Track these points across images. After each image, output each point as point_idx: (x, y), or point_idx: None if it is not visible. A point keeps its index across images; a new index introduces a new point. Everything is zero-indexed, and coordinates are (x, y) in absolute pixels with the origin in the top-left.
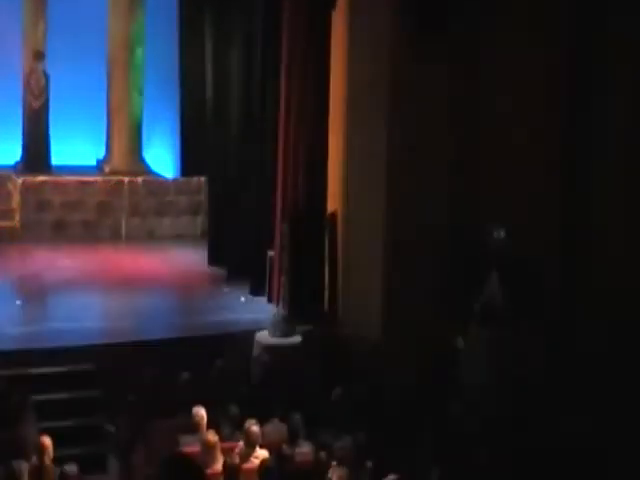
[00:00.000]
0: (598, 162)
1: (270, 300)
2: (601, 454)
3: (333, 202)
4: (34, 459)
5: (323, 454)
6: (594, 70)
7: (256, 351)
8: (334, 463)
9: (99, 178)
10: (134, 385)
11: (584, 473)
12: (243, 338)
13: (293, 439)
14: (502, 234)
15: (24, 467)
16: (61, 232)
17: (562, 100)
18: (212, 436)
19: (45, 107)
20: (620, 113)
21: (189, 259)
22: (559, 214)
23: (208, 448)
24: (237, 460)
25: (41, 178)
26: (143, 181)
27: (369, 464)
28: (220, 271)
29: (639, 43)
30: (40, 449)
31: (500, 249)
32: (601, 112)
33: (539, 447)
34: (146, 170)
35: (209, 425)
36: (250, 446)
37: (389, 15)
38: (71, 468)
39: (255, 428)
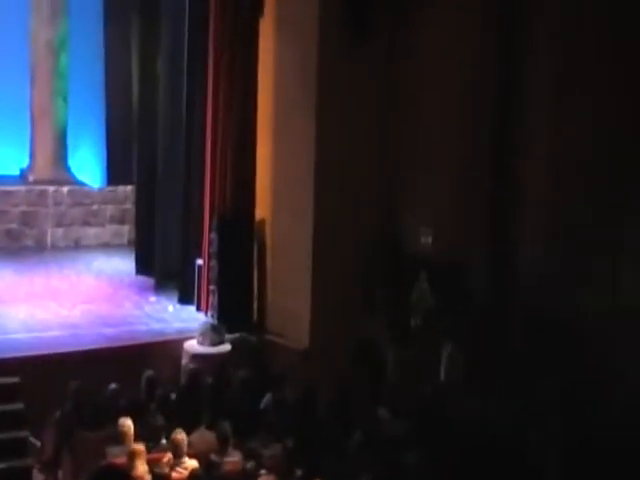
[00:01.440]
0: (526, 161)
1: (199, 309)
2: (525, 453)
3: (262, 209)
4: None
5: (252, 462)
6: (519, 73)
7: (185, 360)
8: (263, 471)
9: (22, 188)
10: (60, 397)
11: (511, 473)
12: (171, 347)
13: (222, 448)
14: (429, 237)
15: None
16: None
17: (491, 98)
18: (138, 447)
19: None
20: (550, 119)
21: (116, 268)
22: (487, 216)
23: (134, 459)
24: (166, 470)
25: None
26: (68, 190)
27: (298, 472)
28: (148, 280)
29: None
30: None
31: (427, 252)
32: (528, 117)
33: (468, 449)
34: (71, 179)
35: (136, 436)
36: (178, 456)
37: (316, 20)
38: None
39: (182, 437)
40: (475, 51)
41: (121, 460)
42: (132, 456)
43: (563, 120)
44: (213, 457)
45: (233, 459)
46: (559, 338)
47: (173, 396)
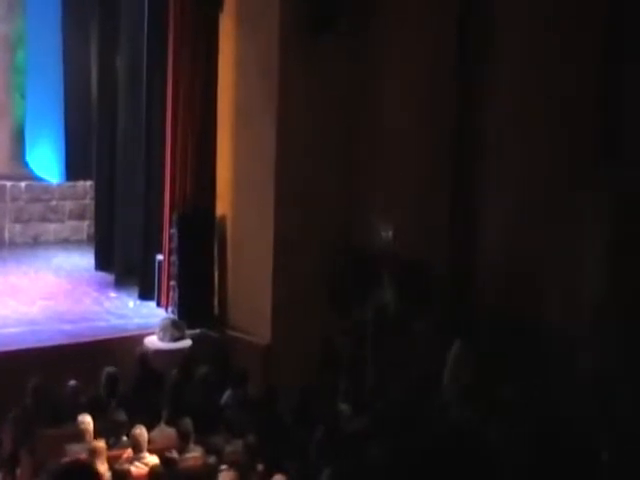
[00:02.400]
0: (487, 162)
1: (159, 304)
2: (491, 451)
3: (222, 204)
4: None
5: (213, 458)
6: (481, 65)
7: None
8: (224, 467)
9: None
10: (19, 394)
11: (475, 470)
12: (132, 343)
13: (183, 443)
14: (389, 232)
15: None
16: None
17: (451, 100)
18: (98, 443)
19: None
20: (513, 120)
21: (76, 264)
22: (448, 215)
23: (94, 456)
24: (125, 466)
25: None
26: (26, 186)
27: (260, 467)
28: (108, 276)
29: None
30: None
31: (389, 250)
32: (490, 106)
33: (429, 446)
34: (29, 174)
35: (97, 433)
36: (138, 451)
37: (277, 18)
38: None
39: (141, 432)
40: (437, 51)
41: (81, 457)
42: (92, 454)
43: (524, 122)
44: (173, 453)
45: (194, 455)
46: (522, 337)
47: (132, 392)
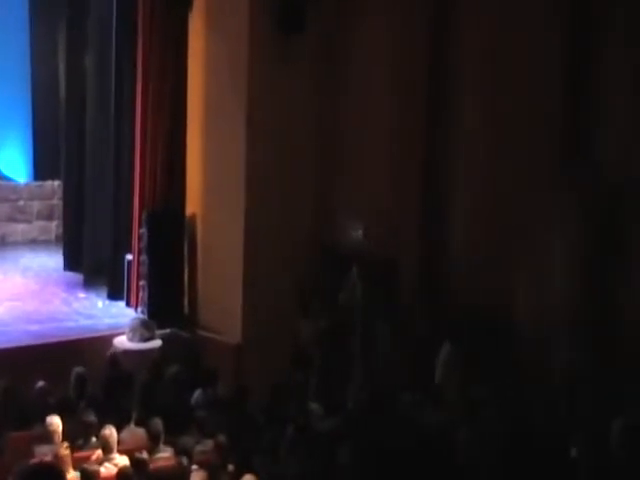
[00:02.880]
0: (459, 161)
1: (129, 304)
2: (460, 451)
3: (192, 204)
4: None
5: (184, 458)
6: (451, 68)
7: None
8: (195, 467)
9: None
10: None
11: (444, 470)
12: (101, 344)
13: (153, 444)
14: (359, 230)
15: None
16: None
17: (423, 99)
18: (65, 445)
19: None
20: (484, 115)
21: (44, 265)
22: (418, 215)
23: (61, 457)
24: (94, 467)
25: None
26: None
27: (230, 467)
28: (76, 276)
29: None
30: None
31: (359, 249)
32: (458, 106)
33: (400, 445)
34: None
35: (65, 434)
36: (107, 452)
37: (247, 15)
38: None
39: (110, 433)
40: (408, 49)
41: (48, 459)
42: (59, 455)
43: (497, 118)
44: (143, 453)
45: (164, 455)
46: (494, 337)
47: (102, 393)
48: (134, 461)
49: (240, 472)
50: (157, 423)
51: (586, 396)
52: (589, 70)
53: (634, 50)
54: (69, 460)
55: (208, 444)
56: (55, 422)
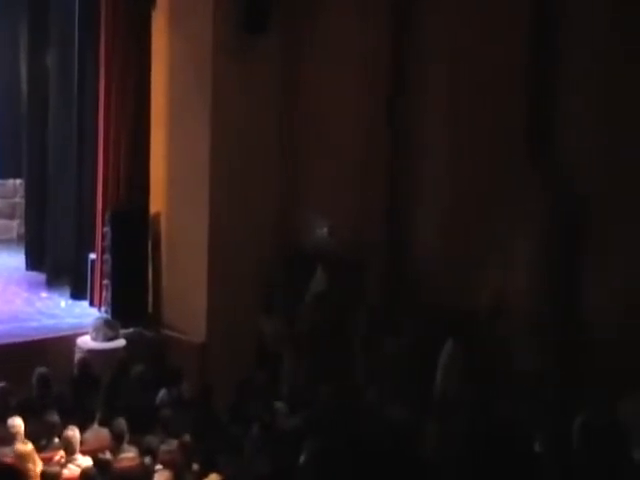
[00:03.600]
0: (425, 161)
1: (92, 304)
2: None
3: (157, 202)
4: None
5: (148, 458)
6: (414, 67)
7: (78, 356)
8: (159, 467)
9: None
10: None
11: (408, 470)
12: (64, 344)
13: (117, 444)
14: (324, 229)
15: None
16: None
17: (387, 96)
18: (25, 446)
19: None
20: (448, 118)
21: (5, 264)
22: (384, 213)
23: (22, 458)
24: (57, 468)
25: None
26: None
27: (195, 466)
28: (39, 276)
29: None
30: None
31: (323, 247)
32: (423, 104)
33: (366, 443)
34: None
35: (28, 435)
36: (70, 453)
37: (210, 14)
38: None
39: (73, 434)
40: (371, 48)
41: (9, 461)
42: (19, 456)
43: (460, 118)
44: (107, 454)
45: (128, 455)
46: (455, 335)
47: (65, 394)
48: (97, 462)
49: (205, 471)
50: (121, 423)
51: (549, 396)
52: (553, 71)
53: (595, 48)
54: (32, 456)
55: (173, 443)
56: (17, 424)
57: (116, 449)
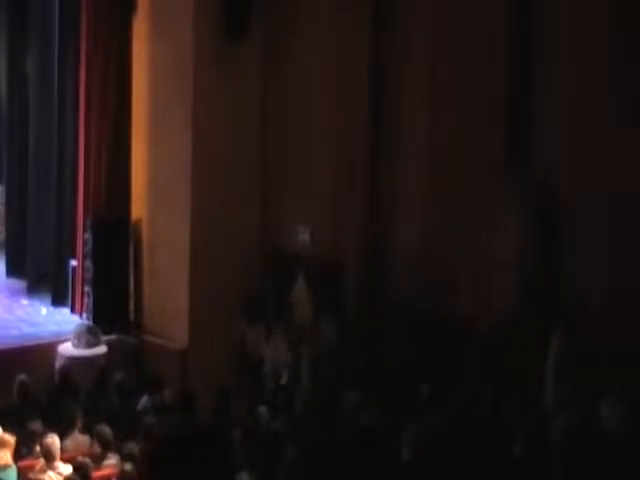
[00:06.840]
0: (400, 163)
1: (73, 311)
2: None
3: (138, 208)
4: None
5: (130, 465)
6: (393, 69)
7: (59, 363)
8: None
9: None
10: None
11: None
12: (45, 351)
13: (100, 450)
14: (306, 234)
15: None
16: None
17: (366, 100)
18: (3, 452)
19: None
20: (427, 118)
21: None
22: (364, 217)
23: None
24: (39, 476)
25: None
26: None
27: None
28: (19, 283)
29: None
30: None
31: (306, 251)
32: (405, 105)
33: (345, 444)
34: None
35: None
36: (51, 461)
37: (191, 19)
38: None
39: (52, 441)
40: (351, 52)
41: None
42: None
43: (440, 119)
44: (85, 461)
45: (110, 462)
46: (440, 335)
47: (46, 401)
48: (78, 469)
49: None
50: (104, 429)
51: (529, 395)
52: (533, 72)
53: (577, 51)
54: (10, 463)
55: None
56: None
57: (99, 456)
